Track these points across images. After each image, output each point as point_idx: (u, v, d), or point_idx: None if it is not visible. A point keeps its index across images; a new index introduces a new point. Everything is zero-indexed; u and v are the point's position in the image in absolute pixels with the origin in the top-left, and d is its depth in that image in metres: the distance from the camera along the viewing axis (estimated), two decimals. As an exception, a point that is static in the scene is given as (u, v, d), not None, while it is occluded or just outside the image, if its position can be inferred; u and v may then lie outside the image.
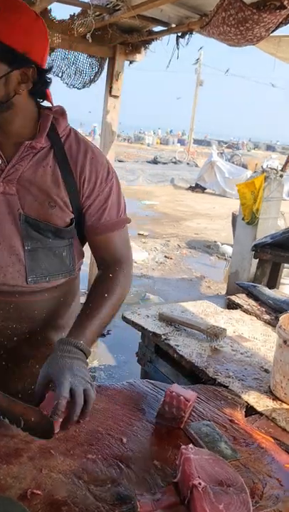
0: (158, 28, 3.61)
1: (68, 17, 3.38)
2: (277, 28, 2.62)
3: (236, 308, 2.40)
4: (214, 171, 14.89)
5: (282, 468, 1.16)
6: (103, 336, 4.12)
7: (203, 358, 1.79)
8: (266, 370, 1.74)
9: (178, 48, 3.46)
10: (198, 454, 1.04)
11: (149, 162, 22.98)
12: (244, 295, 2.53)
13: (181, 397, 1.25)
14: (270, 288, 2.65)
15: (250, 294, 2.51)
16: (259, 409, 1.47)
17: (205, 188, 15.38)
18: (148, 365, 2.09)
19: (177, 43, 3.49)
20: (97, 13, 3.32)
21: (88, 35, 3.32)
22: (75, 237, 1.35)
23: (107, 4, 3.24)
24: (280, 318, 1.64)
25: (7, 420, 1.06)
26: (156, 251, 7.50)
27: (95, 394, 1.11)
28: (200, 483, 0.95)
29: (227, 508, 0.92)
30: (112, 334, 4.10)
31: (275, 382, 1.57)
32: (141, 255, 6.94)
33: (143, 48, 3.95)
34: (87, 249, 1.41)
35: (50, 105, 1.31)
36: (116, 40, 3.77)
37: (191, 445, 1.06)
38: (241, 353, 1.87)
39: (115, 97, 4.16)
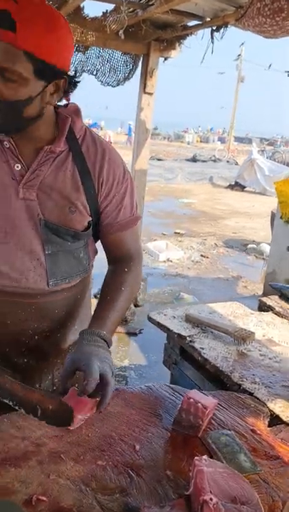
0: (192, 23, 3.53)
1: (101, 14, 3.36)
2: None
3: (268, 311, 2.31)
4: (254, 168, 14.55)
5: (306, 485, 1.09)
6: (135, 335, 4.09)
7: (229, 362, 1.72)
8: (296, 377, 1.65)
9: (212, 43, 3.37)
10: (212, 467, 0.98)
11: (188, 160, 22.83)
12: (276, 297, 2.43)
13: (199, 404, 1.19)
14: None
15: (283, 296, 2.41)
16: (285, 419, 1.39)
17: (244, 187, 15.08)
18: (173, 367, 2.03)
19: (212, 37, 3.40)
20: (130, 9, 3.28)
21: (121, 31, 3.29)
22: (90, 236, 1.36)
23: (140, 0, 3.20)
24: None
25: (23, 410, 1.05)
26: (193, 250, 7.40)
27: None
28: (211, 499, 0.89)
29: (239, 528, 0.85)
30: (144, 333, 4.06)
31: (304, 391, 1.48)
32: (176, 254, 6.87)
33: (177, 44, 3.87)
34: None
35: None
36: (150, 36, 3.71)
37: (205, 456, 1.00)
38: (270, 358, 1.78)
39: (149, 94, 4.10)
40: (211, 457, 1.11)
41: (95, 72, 3.98)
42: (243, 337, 1.84)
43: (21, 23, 0.99)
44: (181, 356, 1.97)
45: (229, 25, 3.25)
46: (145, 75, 4.02)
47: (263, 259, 6.82)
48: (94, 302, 1.40)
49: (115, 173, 1.29)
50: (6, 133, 1.16)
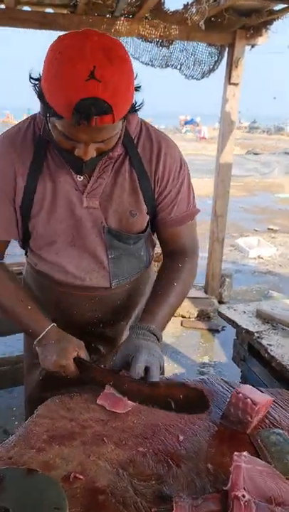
0: (279, 7, 3.36)
1: (182, 7, 3.34)
2: None
3: None
4: None
5: None
6: (217, 331, 4.03)
7: (298, 360, 1.62)
8: None
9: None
10: (251, 464, 0.93)
11: (287, 153, 21.77)
12: None
13: (248, 400, 1.14)
14: None
15: None
16: None
17: None
18: (242, 364, 1.97)
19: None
20: (212, -2, 3.22)
21: (201, 22, 3.24)
22: (149, 232, 1.38)
23: (222, -12, 3.13)
24: None
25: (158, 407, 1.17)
26: (287, 247, 7.07)
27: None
28: (244, 496, 0.85)
29: (269, 530, 0.80)
30: (226, 330, 3.98)
31: None
32: (268, 251, 6.61)
33: (264, 30, 3.72)
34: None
35: None
36: (234, 24, 3.61)
37: (245, 452, 0.96)
38: None
39: (235, 84, 3.99)
40: (258, 455, 1.06)
41: (179, 67, 3.97)
42: (315, 335, 1.72)
43: (112, 100, 0.97)
44: (249, 353, 1.90)
45: None
46: (230, 65, 3.91)
47: None
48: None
49: (171, 169, 1.28)
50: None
